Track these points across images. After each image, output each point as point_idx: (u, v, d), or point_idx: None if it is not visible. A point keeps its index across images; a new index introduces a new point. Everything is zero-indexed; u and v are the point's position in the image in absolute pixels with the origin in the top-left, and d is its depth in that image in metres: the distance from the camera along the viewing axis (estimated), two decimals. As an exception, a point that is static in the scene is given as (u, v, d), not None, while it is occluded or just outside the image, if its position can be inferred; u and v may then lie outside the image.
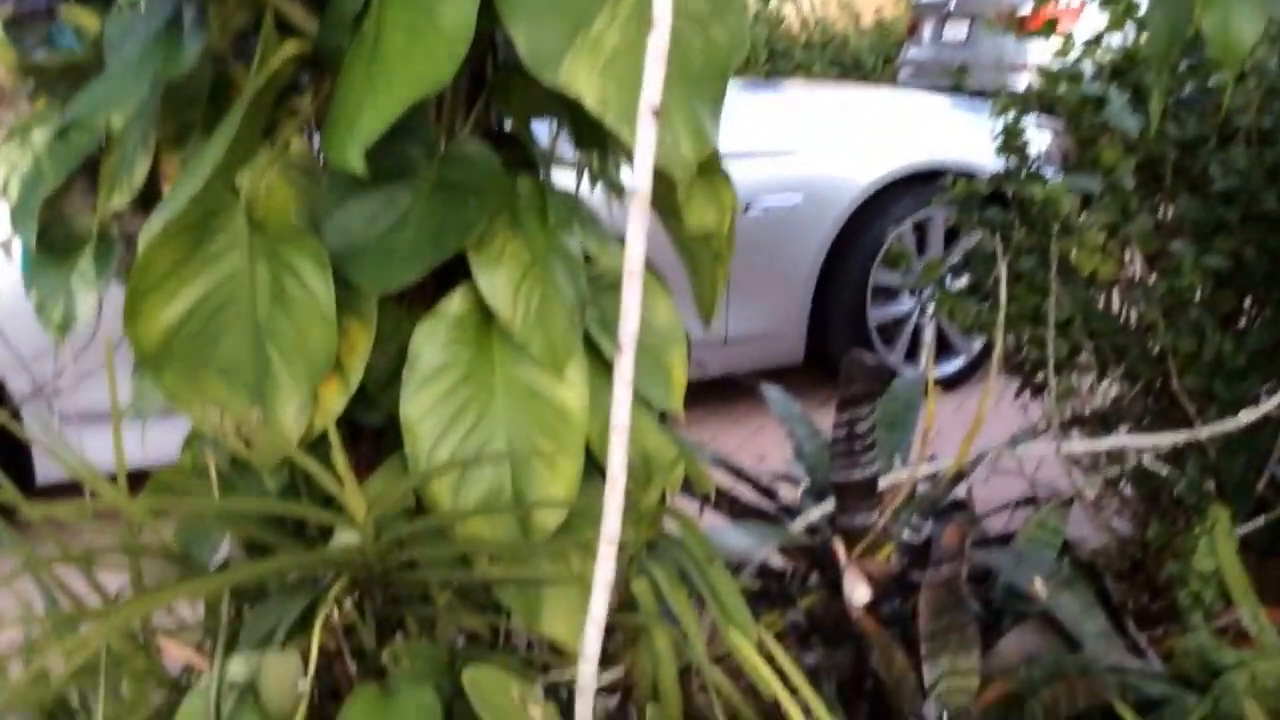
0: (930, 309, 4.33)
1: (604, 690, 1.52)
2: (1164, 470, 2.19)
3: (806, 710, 1.03)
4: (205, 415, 1.32)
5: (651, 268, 1.54)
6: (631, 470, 1.47)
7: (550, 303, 1.35)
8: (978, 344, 4.29)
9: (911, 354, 4.30)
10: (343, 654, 1.47)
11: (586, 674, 1.11)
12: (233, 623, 1.44)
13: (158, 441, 2.13)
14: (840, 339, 4.18)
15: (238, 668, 1.41)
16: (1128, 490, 2.41)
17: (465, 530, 1.34)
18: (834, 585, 1.69)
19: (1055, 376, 2.40)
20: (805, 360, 4.19)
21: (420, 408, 1.34)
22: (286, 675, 1.36)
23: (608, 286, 1.49)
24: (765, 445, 3.77)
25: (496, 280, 1.33)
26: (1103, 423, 2.44)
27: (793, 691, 1.02)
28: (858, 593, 1.48)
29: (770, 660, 1.07)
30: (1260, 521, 2.20)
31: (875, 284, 4.19)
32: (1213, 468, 2.32)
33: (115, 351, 1.57)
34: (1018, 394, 2.65)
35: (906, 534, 1.93)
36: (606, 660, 1.55)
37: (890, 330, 4.31)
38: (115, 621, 1.20)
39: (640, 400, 1.48)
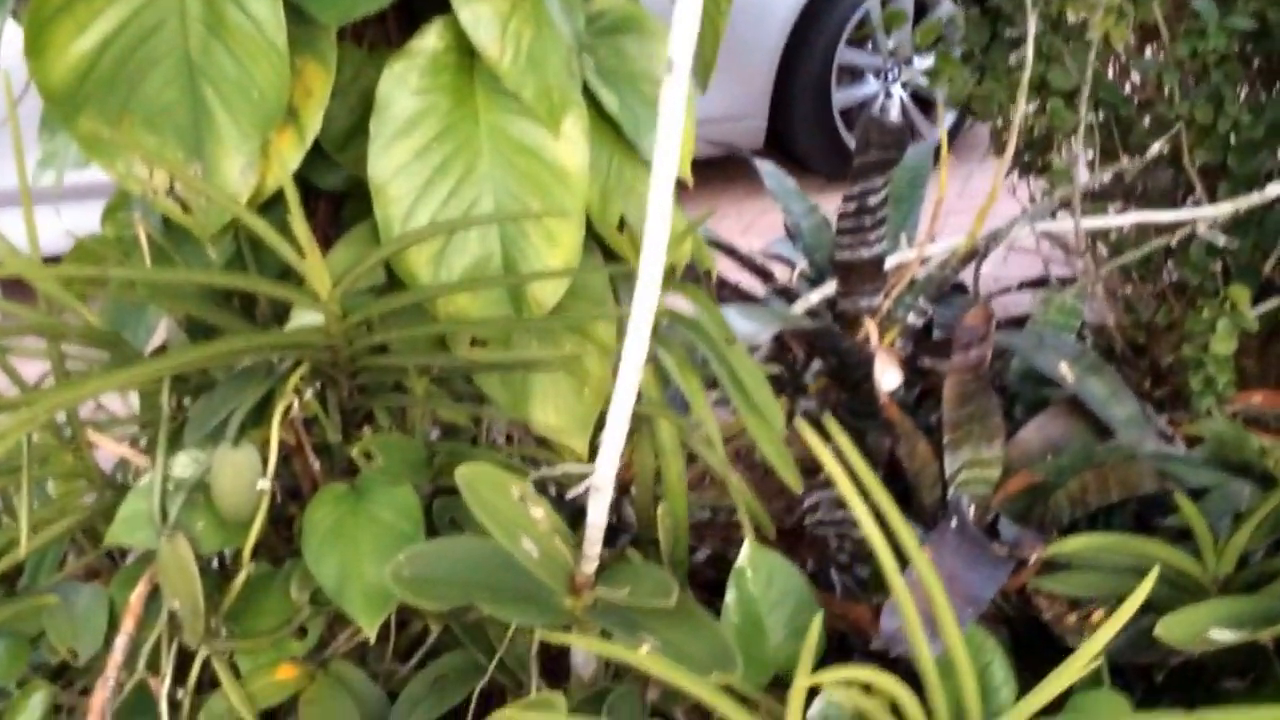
0: (897, 90, 4.12)
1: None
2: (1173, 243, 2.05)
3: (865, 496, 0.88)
4: (131, 172, 1.10)
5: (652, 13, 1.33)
6: (633, 236, 1.28)
7: (545, 42, 1.14)
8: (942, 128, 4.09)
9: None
10: (304, 450, 1.30)
11: (605, 470, 0.95)
12: (174, 416, 1.26)
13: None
14: (803, 122, 3.97)
15: (184, 465, 1.23)
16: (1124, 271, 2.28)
17: (448, 307, 1.15)
18: (843, 371, 1.54)
19: (1058, 152, 2.23)
20: (766, 144, 3.98)
21: (391, 166, 1.13)
22: (243, 472, 1.19)
23: (607, 29, 1.27)
24: (735, 230, 3.59)
25: (480, 11, 1.11)
26: (1098, 203, 2.29)
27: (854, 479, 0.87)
28: (888, 377, 1.33)
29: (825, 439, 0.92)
30: (1269, 305, 2.08)
31: (840, 64, 3.96)
32: (1218, 249, 2.19)
33: (19, 104, 1.33)
34: (1007, 174, 2.49)
35: (911, 318, 1.77)
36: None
37: (854, 114, 4.09)
38: (35, 413, 1.00)
39: (644, 163, 1.28)
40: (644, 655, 0.93)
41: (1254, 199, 1.87)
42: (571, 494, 1.33)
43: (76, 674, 1.36)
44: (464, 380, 1.29)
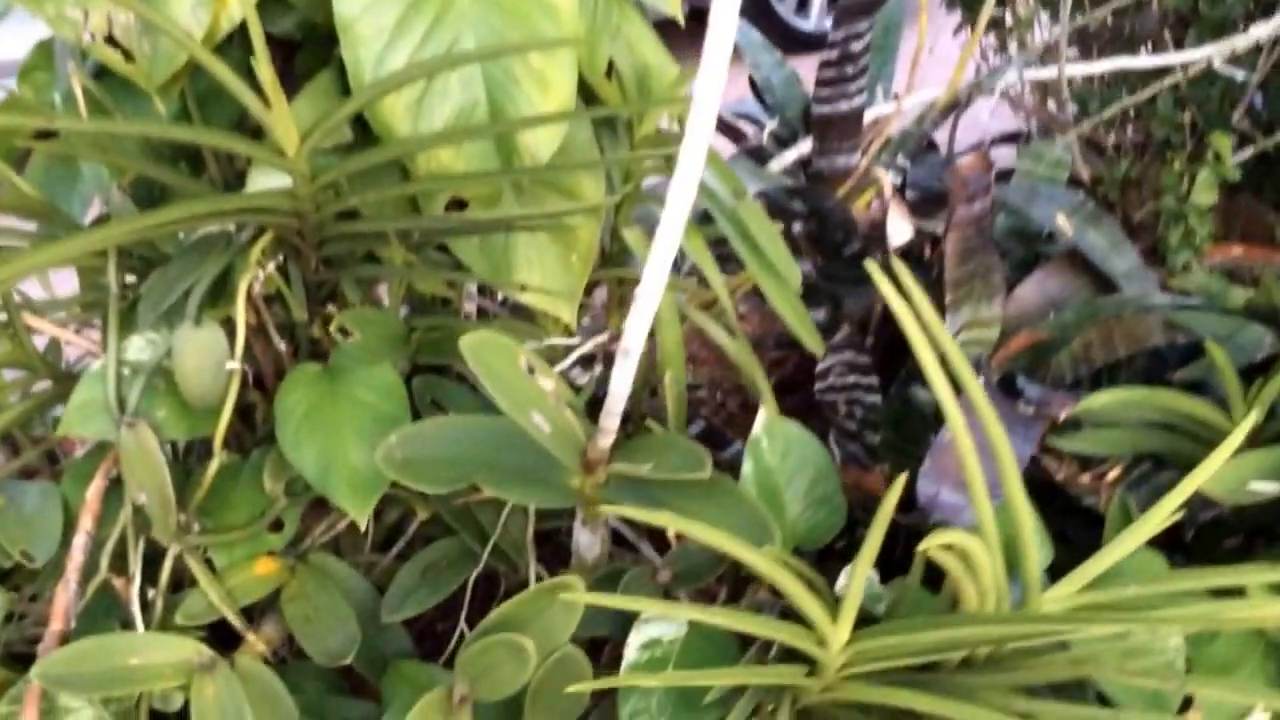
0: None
1: (583, 361, 1.27)
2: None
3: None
4: (63, 14, 0.96)
5: None
6: (621, 83, 1.18)
7: None
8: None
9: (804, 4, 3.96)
10: (266, 330, 1.19)
11: (636, 330, 0.86)
12: (122, 296, 1.14)
13: None
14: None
15: (139, 348, 1.12)
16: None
17: (429, 163, 1.04)
18: (823, 233, 1.45)
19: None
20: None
21: (358, 2, 1.01)
22: (209, 353, 1.08)
23: None
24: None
25: None
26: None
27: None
28: (898, 230, 1.25)
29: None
30: (1242, 155, 2.03)
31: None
32: (1184, 99, 2.13)
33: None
34: (957, 30, 2.40)
35: (890, 176, 1.69)
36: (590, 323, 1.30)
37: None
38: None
39: (632, 1, 1.17)
40: (696, 527, 0.85)
41: (1239, 41, 1.81)
42: (560, 367, 1.25)
43: (25, 578, 1.25)
44: (437, 249, 1.18)
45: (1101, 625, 0.77)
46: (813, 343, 1.07)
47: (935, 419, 1.29)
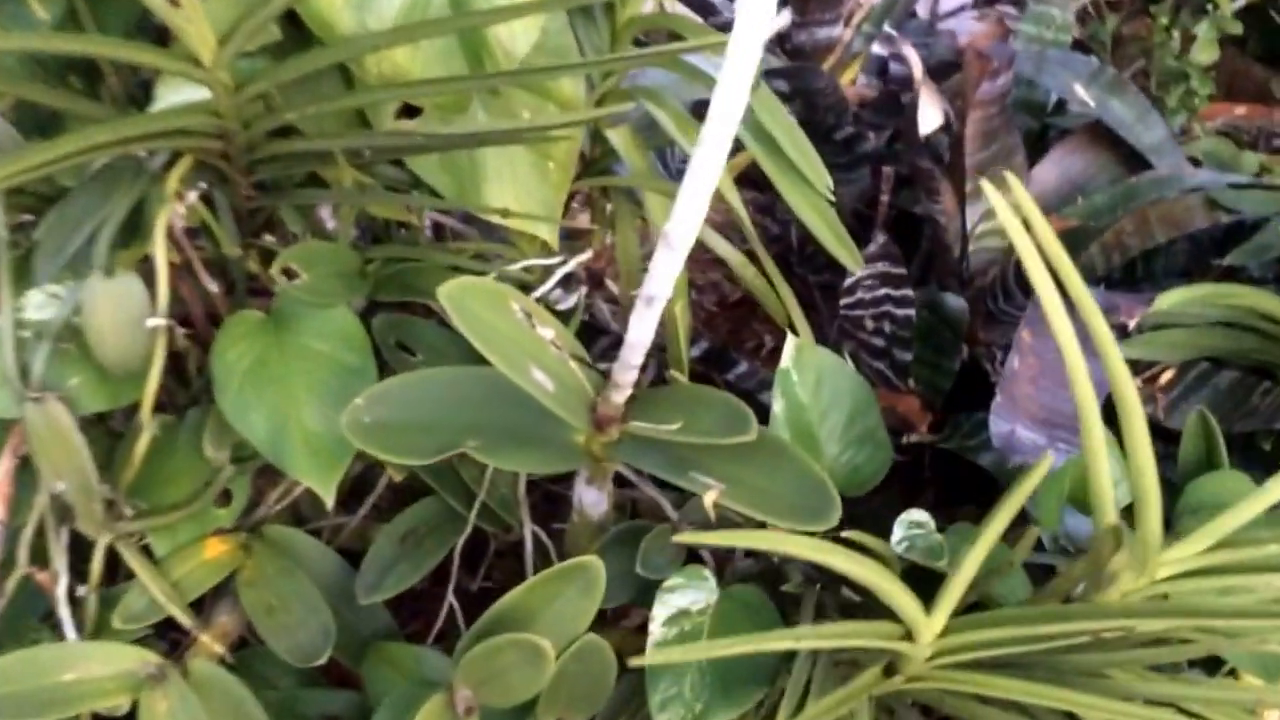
0: None
1: (560, 284, 1.11)
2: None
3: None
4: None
5: None
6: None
7: None
8: None
9: None
10: (192, 267, 1.00)
11: (663, 272, 0.69)
12: (14, 244, 0.95)
13: None
14: None
15: (39, 305, 0.94)
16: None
17: (380, 66, 0.86)
18: (811, 115, 1.28)
19: None
20: None
21: None
22: (126, 307, 0.90)
23: None
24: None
25: None
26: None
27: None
28: (928, 117, 1.09)
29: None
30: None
31: None
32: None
33: None
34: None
35: (876, 48, 1.52)
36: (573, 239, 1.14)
37: None
38: None
39: None
40: (742, 499, 0.70)
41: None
42: (540, 292, 1.08)
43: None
44: (392, 164, 1.00)
45: (1264, 618, 0.63)
46: (850, 259, 0.91)
47: (970, 332, 1.15)
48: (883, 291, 1.05)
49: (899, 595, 0.68)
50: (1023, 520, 1.01)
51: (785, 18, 1.52)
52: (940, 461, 1.14)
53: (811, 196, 0.90)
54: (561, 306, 1.12)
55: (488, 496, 1.01)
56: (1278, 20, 1.94)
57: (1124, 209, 1.22)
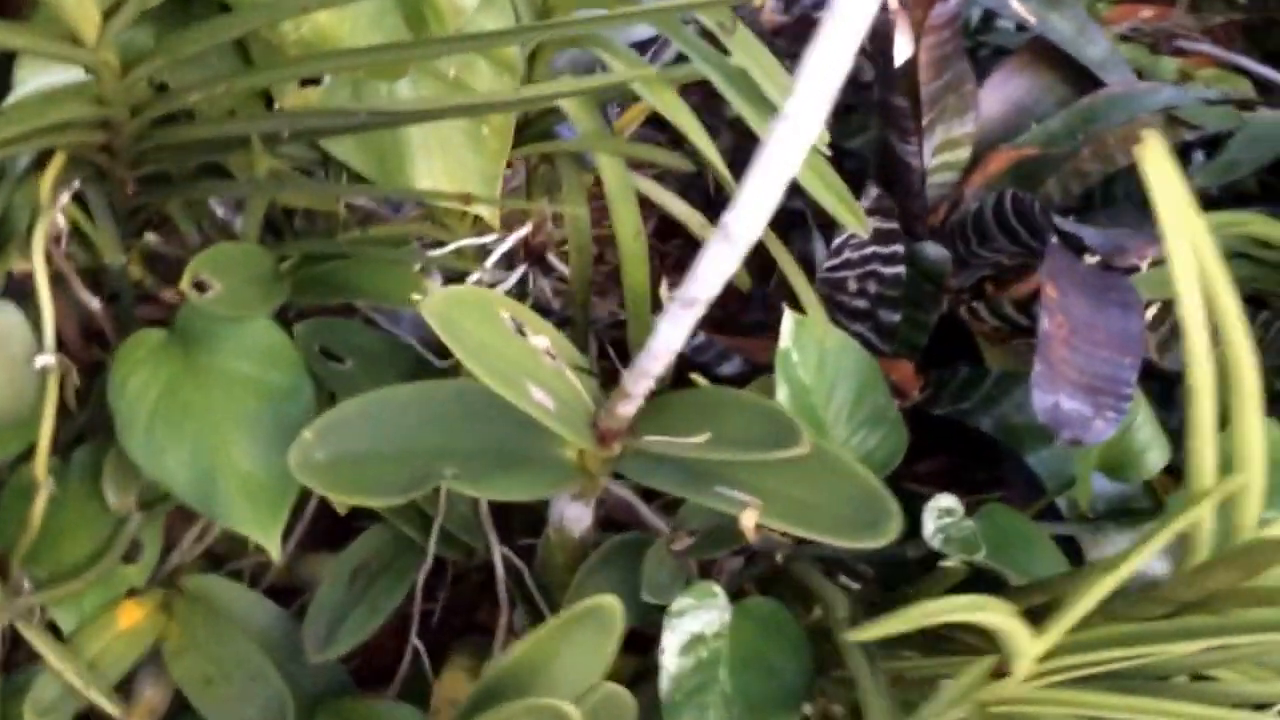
0: None
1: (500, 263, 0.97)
2: None
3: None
4: None
5: None
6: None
7: None
8: None
9: None
10: (66, 282, 0.84)
11: (709, 276, 0.57)
12: None
13: None
14: None
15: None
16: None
17: (299, 32, 0.71)
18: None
19: None
20: None
21: None
22: (5, 344, 0.74)
23: None
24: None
25: None
26: None
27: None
28: (900, 47, 0.99)
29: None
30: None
31: None
32: None
33: None
34: None
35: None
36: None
37: None
38: None
39: None
40: (790, 519, 0.59)
41: None
42: (474, 279, 0.95)
43: None
44: (298, 145, 0.84)
45: None
46: (856, 222, 0.80)
47: (954, 291, 1.07)
48: (871, 249, 0.94)
49: (1019, 634, 0.59)
50: (1036, 490, 0.94)
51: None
52: (931, 426, 1.05)
53: (808, 155, 0.79)
54: (498, 290, 0.98)
55: (445, 518, 0.88)
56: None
57: (1082, 132, 1.14)
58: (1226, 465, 0.78)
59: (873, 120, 1.15)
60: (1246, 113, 1.13)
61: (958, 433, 0.98)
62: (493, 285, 0.98)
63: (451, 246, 0.95)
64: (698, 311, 0.59)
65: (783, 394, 0.81)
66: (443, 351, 0.95)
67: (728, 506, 0.67)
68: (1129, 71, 1.23)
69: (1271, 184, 1.17)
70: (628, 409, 0.68)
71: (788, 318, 0.81)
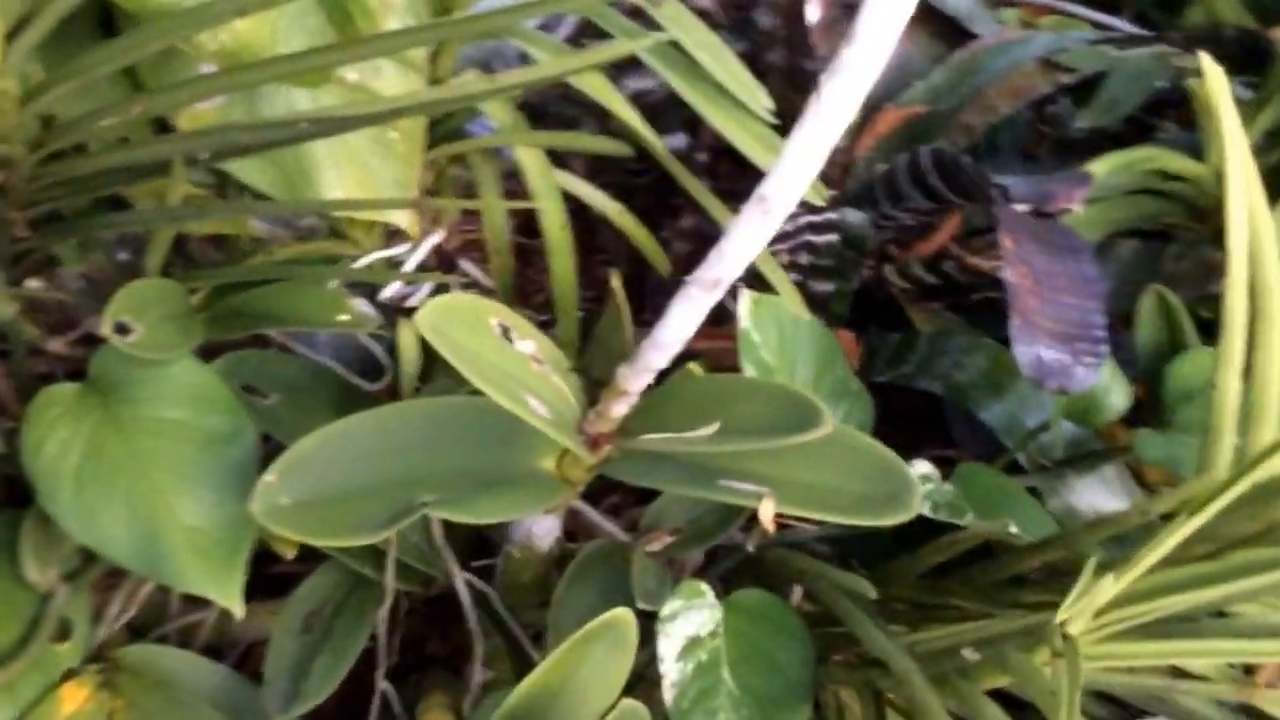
0: None
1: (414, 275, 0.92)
2: None
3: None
4: None
5: None
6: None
7: None
8: None
9: None
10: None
11: (733, 260, 0.54)
12: None
13: None
14: None
15: None
16: None
17: (217, 42, 0.64)
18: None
19: None
20: None
21: None
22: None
23: None
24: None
25: None
26: None
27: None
28: (811, 9, 0.97)
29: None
30: None
31: None
32: None
33: None
34: None
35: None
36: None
37: None
38: None
39: None
40: (809, 502, 0.56)
41: None
42: (388, 294, 0.90)
43: None
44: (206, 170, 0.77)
45: None
46: (816, 194, 0.78)
47: (881, 259, 1.06)
48: (805, 220, 0.93)
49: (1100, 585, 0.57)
50: (991, 445, 0.94)
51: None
52: (901, 393, 1.04)
53: (753, 125, 0.76)
54: (411, 303, 0.93)
55: (399, 549, 0.83)
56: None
57: (966, 85, 1.15)
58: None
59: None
60: (1117, 52, 1.16)
61: (897, 397, 0.97)
62: (406, 296, 0.92)
63: (363, 261, 0.89)
64: (718, 295, 0.56)
65: (749, 376, 0.78)
66: (367, 372, 0.90)
67: (738, 499, 0.64)
68: (993, 21, 1.25)
69: (1142, 121, 1.20)
70: (622, 407, 0.64)
71: (745, 297, 0.79)
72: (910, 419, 1.03)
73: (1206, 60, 0.69)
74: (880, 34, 0.47)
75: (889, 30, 0.47)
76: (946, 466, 1.03)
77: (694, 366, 0.72)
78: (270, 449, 0.73)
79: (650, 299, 1.09)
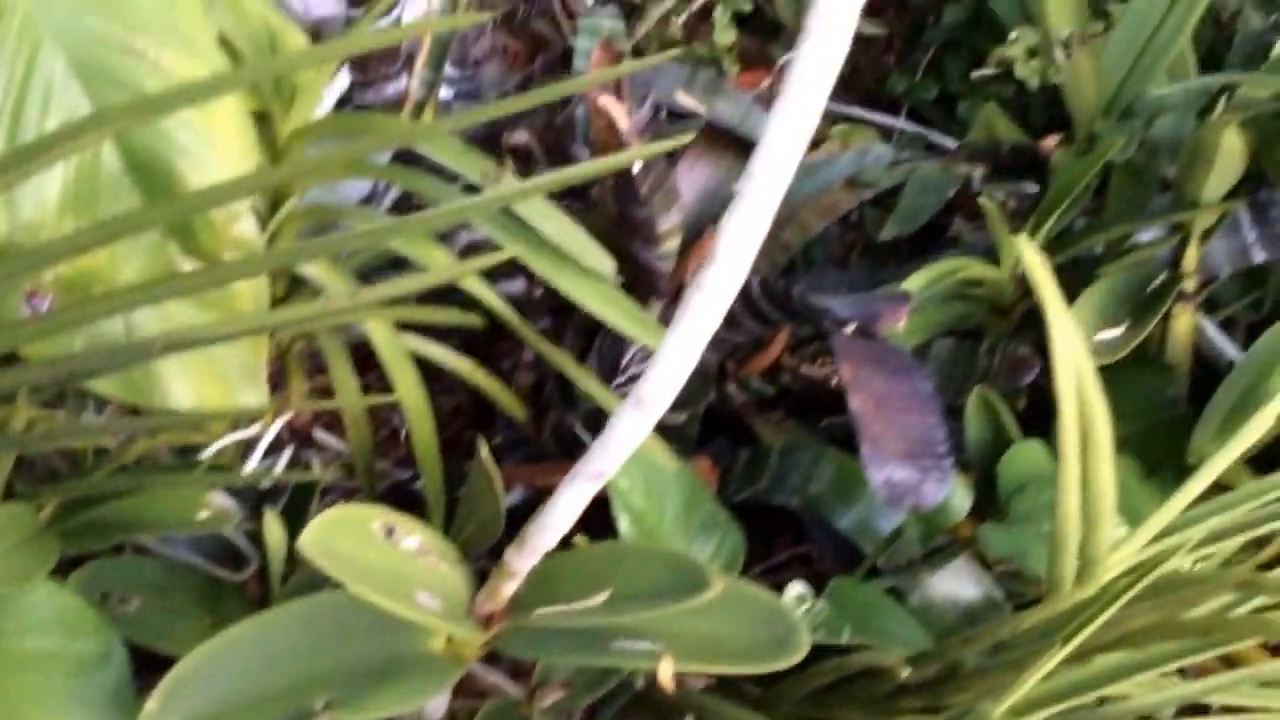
0: None
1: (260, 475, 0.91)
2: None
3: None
4: None
5: None
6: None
7: None
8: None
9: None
10: None
11: (615, 452, 0.56)
12: None
13: None
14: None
15: None
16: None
17: (74, 269, 0.63)
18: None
19: None
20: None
21: None
22: None
23: None
24: None
25: None
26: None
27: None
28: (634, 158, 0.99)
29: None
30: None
31: None
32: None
33: None
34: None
35: (444, 93, 1.41)
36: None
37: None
38: None
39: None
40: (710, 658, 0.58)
41: None
42: (245, 474, 0.89)
43: None
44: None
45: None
46: (649, 335, 0.81)
47: (720, 377, 1.09)
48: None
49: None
50: (850, 551, 0.97)
51: (345, 79, 1.36)
52: (768, 514, 1.07)
53: (596, 287, 0.79)
54: (270, 482, 0.92)
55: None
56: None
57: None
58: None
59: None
60: (908, 165, 1.23)
61: (756, 510, 1.00)
62: (262, 477, 0.91)
63: (213, 449, 0.88)
64: (601, 483, 0.58)
65: (624, 523, 0.80)
66: (229, 562, 0.88)
67: (635, 661, 0.66)
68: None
69: (936, 224, 1.27)
70: (511, 587, 0.65)
71: (608, 448, 0.81)
72: (771, 528, 1.07)
73: (1027, 248, 0.72)
74: (737, 255, 0.50)
75: (745, 251, 0.50)
76: (808, 567, 1.07)
77: (580, 539, 0.73)
78: (140, 660, 0.71)
79: (503, 432, 1.11)
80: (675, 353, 0.52)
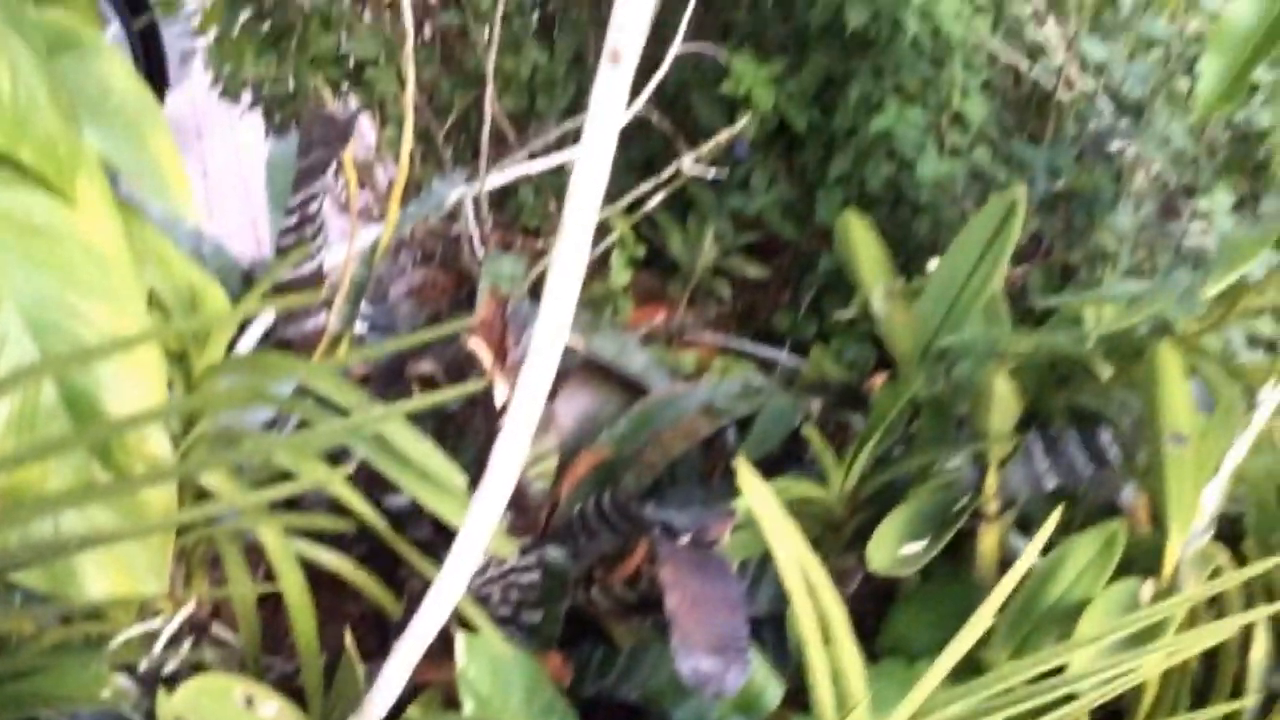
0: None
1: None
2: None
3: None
4: None
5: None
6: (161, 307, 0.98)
7: (28, 78, 0.80)
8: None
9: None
10: None
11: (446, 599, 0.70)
12: None
13: None
14: None
15: None
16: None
17: (13, 480, 0.78)
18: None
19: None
20: None
21: None
22: None
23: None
24: None
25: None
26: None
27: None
28: (500, 393, 1.16)
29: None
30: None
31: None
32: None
33: None
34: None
35: (360, 328, 1.59)
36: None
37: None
38: None
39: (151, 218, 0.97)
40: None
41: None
42: (147, 664, 1.02)
43: None
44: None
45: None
46: (509, 548, 0.96)
47: (588, 583, 1.24)
48: (509, 564, 1.10)
49: None
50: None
51: (269, 315, 1.54)
52: (582, 708, 1.19)
53: (452, 500, 0.95)
54: (169, 668, 1.05)
55: None
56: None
57: (645, 432, 1.38)
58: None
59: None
60: (765, 395, 1.42)
61: (604, 707, 1.14)
62: (162, 664, 1.04)
63: (121, 638, 1.01)
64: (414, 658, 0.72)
65: (469, 708, 0.93)
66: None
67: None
68: (665, 374, 1.50)
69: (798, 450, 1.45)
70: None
71: (460, 639, 0.95)
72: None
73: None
74: (497, 490, 0.66)
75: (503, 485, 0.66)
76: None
77: (413, 709, 0.87)
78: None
79: (393, 633, 1.24)
80: (455, 567, 0.67)
